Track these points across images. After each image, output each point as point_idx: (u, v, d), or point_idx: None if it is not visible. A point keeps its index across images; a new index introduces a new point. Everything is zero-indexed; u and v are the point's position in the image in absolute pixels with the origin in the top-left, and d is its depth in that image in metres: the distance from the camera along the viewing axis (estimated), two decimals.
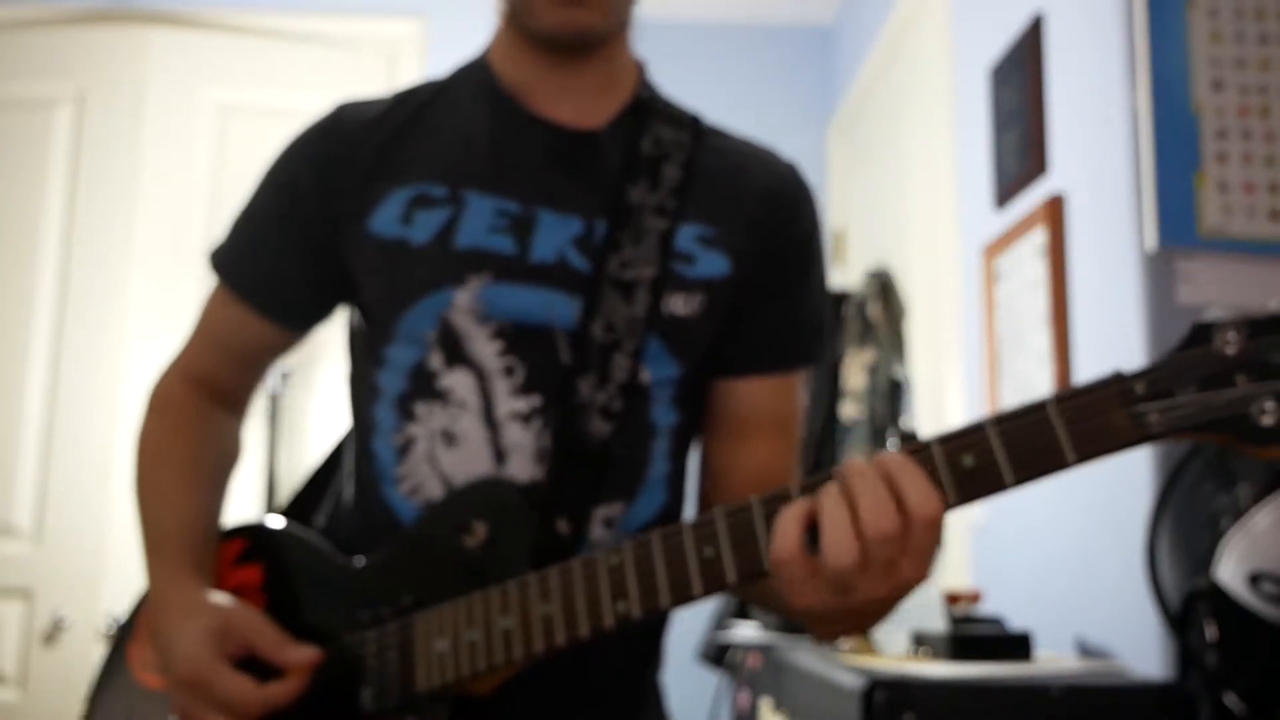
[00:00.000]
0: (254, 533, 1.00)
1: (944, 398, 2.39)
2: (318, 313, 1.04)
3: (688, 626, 3.19)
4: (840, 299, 2.99)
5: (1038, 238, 1.85)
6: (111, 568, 2.81)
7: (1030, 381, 1.88)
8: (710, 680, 2.71)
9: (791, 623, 1.94)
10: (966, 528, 2.18)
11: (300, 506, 1.09)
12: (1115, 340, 1.62)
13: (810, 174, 1.13)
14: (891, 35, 2.91)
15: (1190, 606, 1.36)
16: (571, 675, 0.94)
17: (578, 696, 0.95)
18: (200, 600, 0.92)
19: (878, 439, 2.52)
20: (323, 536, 1.00)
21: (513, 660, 0.83)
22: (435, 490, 0.93)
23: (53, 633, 2.77)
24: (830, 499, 0.71)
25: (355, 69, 3.14)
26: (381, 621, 0.90)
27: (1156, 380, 0.66)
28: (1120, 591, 1.57)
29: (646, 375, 0.95)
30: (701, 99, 4.35)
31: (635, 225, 0.95)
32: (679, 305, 0.95)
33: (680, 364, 0.96)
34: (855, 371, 2.66)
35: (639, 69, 1.06)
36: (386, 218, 0.95)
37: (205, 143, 3.04)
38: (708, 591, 0.77)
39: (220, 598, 0.93)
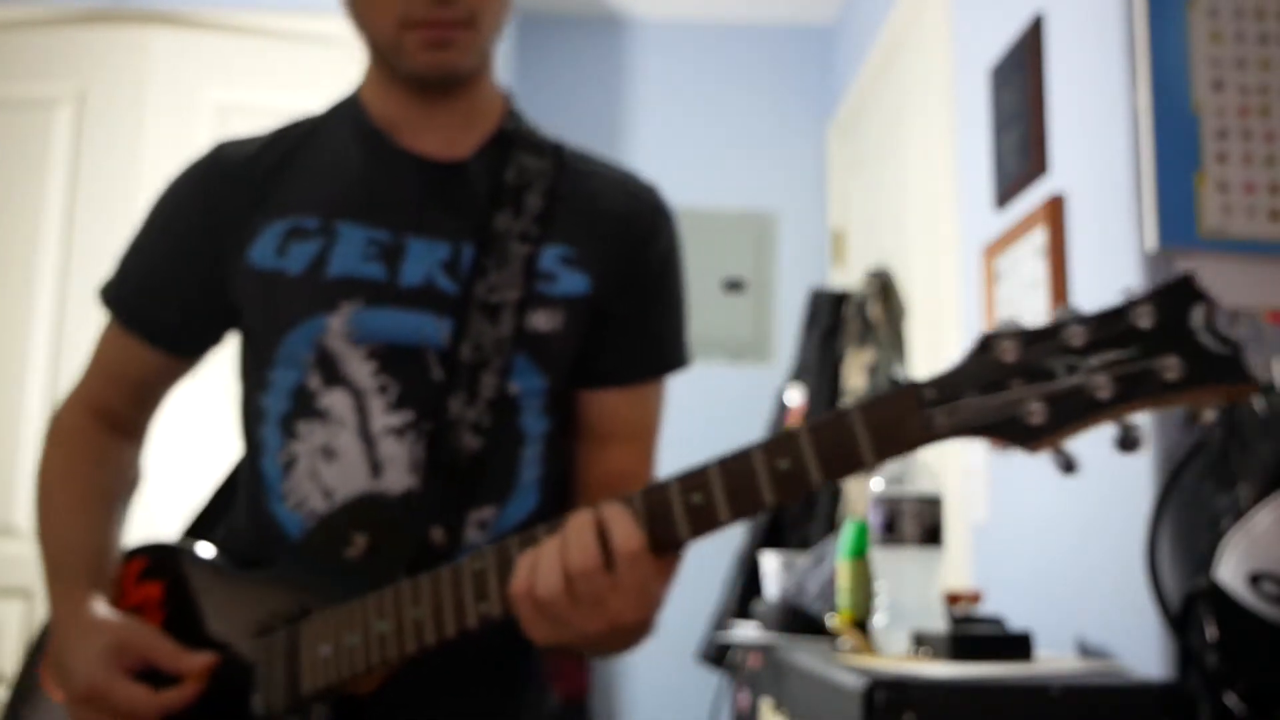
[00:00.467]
0: (154, 552, 1.05)
1: None
2: (206, 341, 1.11)
3: (688, 626, 3.19)
4: (840, 299, 2.99)
5: (1038, 238, 1.85)
6: None
7: None
8: (710, 680, 2.71)
9: (790, 622, 1.94)
10: (967, 528, 2.18)
11: (201, 525, 1.15)
12: None
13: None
14: (891, 35, 2.92)
15: (1190, 606, 1.36)
16: (447, 668, 0.99)
17: (454, 688, 1.01)
18: (96, 619, 0.97)
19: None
20: (219, 552, 1.05)
21: (388, 661, 0.90)
22: (318, 502, 0.99)
23: None
24: (548, 540, 0.80)
25: (355, 69, 3.14)
26: (271, 630, 0.96)
27: (945, 386, 0.72)
28: (1120, 591, 1.57)
29: (515, 388, 1.02)
30: (702, 99, 4.37)
31: (500, 250, 1.02)
32: (542, 321, 1.02)
33: (546, 376, 1.04)
34: (855, 371, 2.66)
35: (504, 101, 1.12)
36: (263, 250, 1.02)
37: (205, 143, 3.03)
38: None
39: (115, 616, 0.98)
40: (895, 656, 1.52)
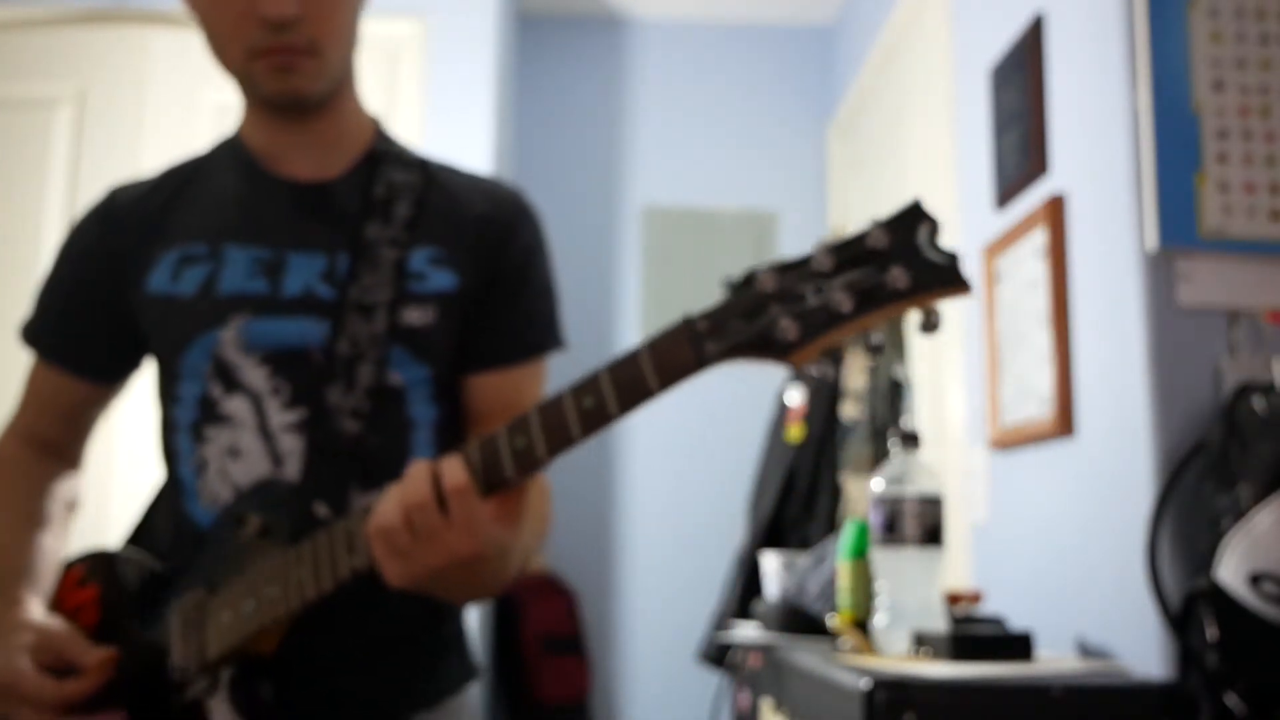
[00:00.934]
0: (90, 559, 1.17)
1: (944, 398, 2.39)
2: (123, 367, 1.23)
3: (688, 627, 3.19)
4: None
5: (1038, 238, 1.85)
6: None
7: (1030, 381, 1.88)
8: (710, 680, 2.71)
9: (790, 622, 1.94)
10: (967, 528, 2.18)
11: (134, 536, 1.25)
12: (1115, 340, 1.62)
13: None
14: (891, 35, 2.92)
15: (1190, 606, 1.37)
16: (354, 631, 1.10)
17: (359, 650, 1.11)
18: (21, 621, 1.07)
19: (878, 439, 2.52)
20: (145, 552, 1.16)
21: (279, 619, 1.01)
22: (228, 498, 1.10)
23: None
24: (390, 486, 0.90)
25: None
26: (186, 611, 1.08)
27: (715, 318, 0.82)
28: (1120, 591, 1.57)
29: (398, 379, 1.12)
30: (702, 99, 4.37)
31: (372, 256, 1.13)
32: (415, 317, 1.13)
33: (427, 365, 1.14)
34: (855, 371, 2.66)
35: (374, 124, 1.23)
36: (159, 278, 1.14)
37: (205, 143, 3.04)
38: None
39: (41, 618, 1.08)
40: (895, 656, 1.52)
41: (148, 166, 2.96)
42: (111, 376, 1.23)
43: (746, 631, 2.11)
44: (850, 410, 2.58)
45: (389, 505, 0.88)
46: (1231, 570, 1.33)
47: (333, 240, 1.14)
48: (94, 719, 1.06)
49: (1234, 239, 1.54)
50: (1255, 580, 1.31)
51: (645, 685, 3.34)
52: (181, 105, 3.03)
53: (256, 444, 1.10)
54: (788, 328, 0.79)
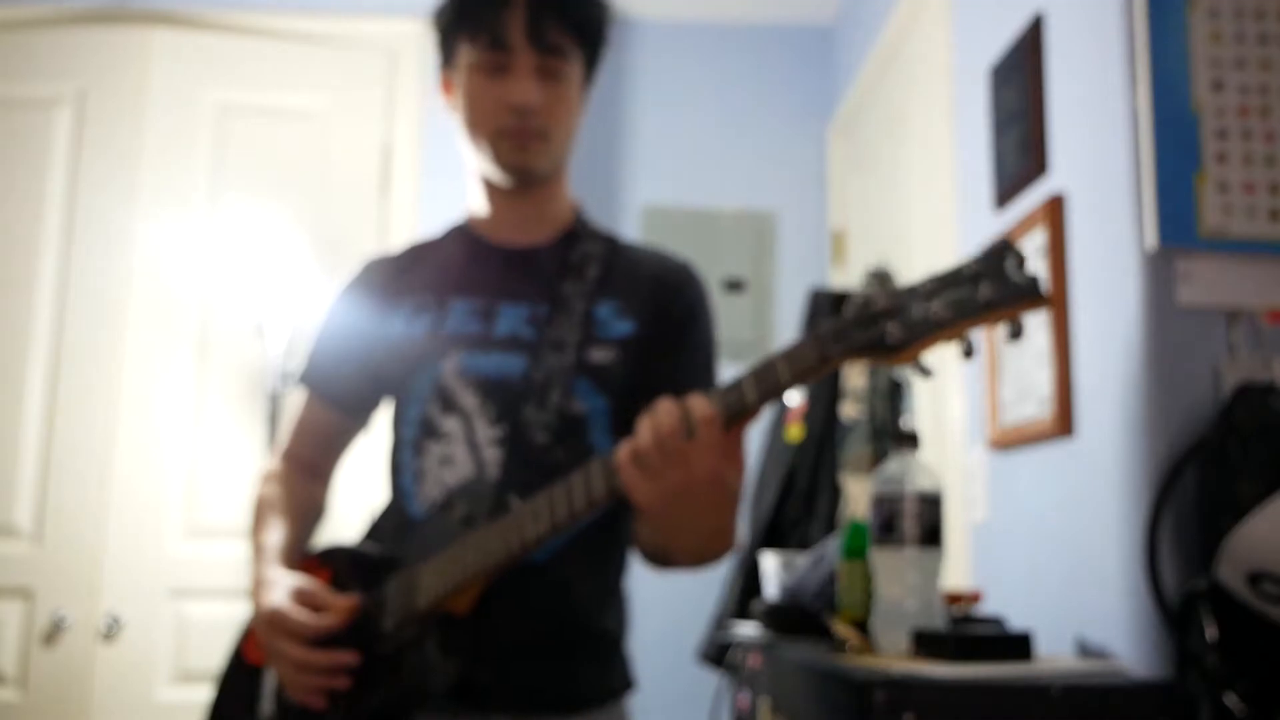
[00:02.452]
0: (327, 551, 1.45)
1: (944, 398, 2.39)
2: (371, 404, 1.52)
3: (688, 627, 3.19)
4: (840, 299, 2.99)
5: (1038, 238, 1.85)
6: (111, 568, 2.81)
7: (1030, 381, 1.88)
8: (710, 680, 2.71)
9: (789, 622, 1.94)
10: (967, 528, 2.18)
11: (368, 535, 1.49)
12: (1115, 340, 1.62)
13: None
14: (891, 35, 2.91)
15: (1190, 606, 1.36)
16: (535, 610, 1.33)
17: (538, 629, 1.34)
18: (283, 576, 1.35)
19: (878, 439, 2.52)
20: (371, 544, 1.43)
21: (476, 576, 1.25)
22: (440, 497, 1.35)
23: (53, 633, 2.77)
24: (645, 413, 1.10)
25: (355, 69, 3.14)
26: (400, 578, 1.32)
27: (838, 327, 1.03)
28: (1120, 591, 1.57)
29: (581, 406, 1.36)
30: (702, 99, 4.36)
31: (566, 307, 1.40)
32: (599, 356, 1.38)
33: (606, 398, 1.38)
34: (855, 371, 2.66)
35: (576, 209, 1.53)
36: (399, 323, 1.44)
37: (205, 143, 3.04)
38: (588, 507, 1.17)
39: (298, 576, 1.34)
40: (895, 656, 1.52)
41: (148, 166, 2.96)
42: (362, 410, 1.52)
43: (746, 631, 2.11)
44: (850, 410, 2.58)
45: (643, 431, 1.08)
46: (1231, 570, 1.33)
47: (536, 294, 1.41)
48: (334, 654, 1.27)
49: (1234, 239, 1.54)
50: (1255, 580, 1.31)
51: (645, 685, 3.33)
52: (181, 105, 3.03)
53: (465, 454, 1.35)
54: (894, 332, 1.00)
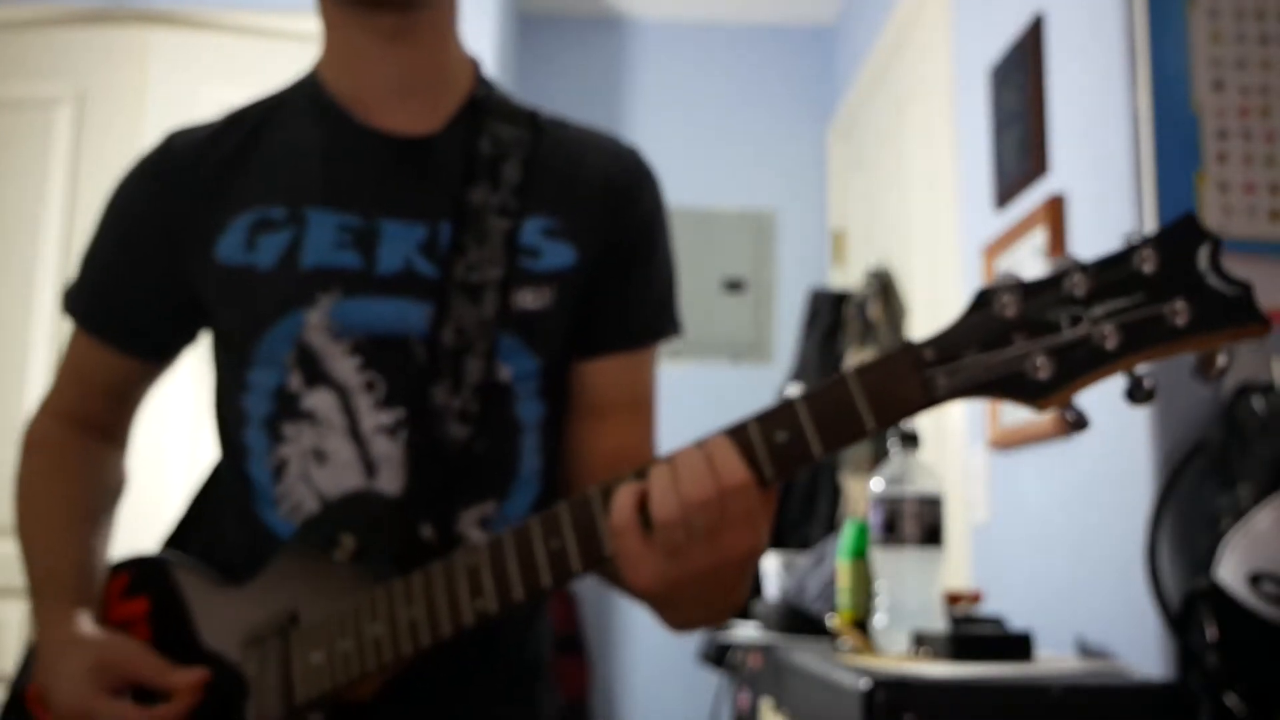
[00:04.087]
0: (138, 565, 1.01)
1: None
2: (177, 342, 1.06)
3: None
4: (840, 299, 2.99)
5: (1038, 238, 1.85)
6: None
7: None
8: (710, 680, 2.71)
9: (790, 622, 1.94)
10: (967, 528, 2.18)
11: (180, 535, 1.09)
12: None
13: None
14: (891, 35, 2.92)
15: (1190, 606, 1.36)
16: (449, 672, 0.95)
17: (458, 692, 0.97)
18: (79, 636, 0.94)
19: (878, 439, 2.52)
20: (205, 562, 1.00)
21: (385, 665, 0.86)
22: (313, 508, 0.95)
23: None
24: (658, 470, 0.75)
25: None
26: (262, 640, 0.92)
27: (944, 346, 0.69)
28: (1120, 591, 1.57)
29: (506, 372, 0.97)
30: (702, 99, 4.35)
31: (479, 226, 0.96)
32: (528, 300, 0.96)
33: (538, 356, 0.98)
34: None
35: (473, 68, 1.06)
36: (231, 244, 0.97)
37: None
38: (557, 583, 0.80)
39: (100, 633, 0.94)
40: (895, 656, 1.52)
41: None
42: (160, 354, 1.06)
43: (746, 631, 2.11)
44: None
45: (665, 498, 0.73)
46: (1231, 570, 1.33)
47: (434, 207, 0.97)
48: None
49: (1234, 239, 1.54)
50: (1255, 580, 1.31)
51: (645, 685, 3.34)
52: (181, 105, 3.03)
53: (346, 448, 0.94)
54: (1041, 366, 0.66)
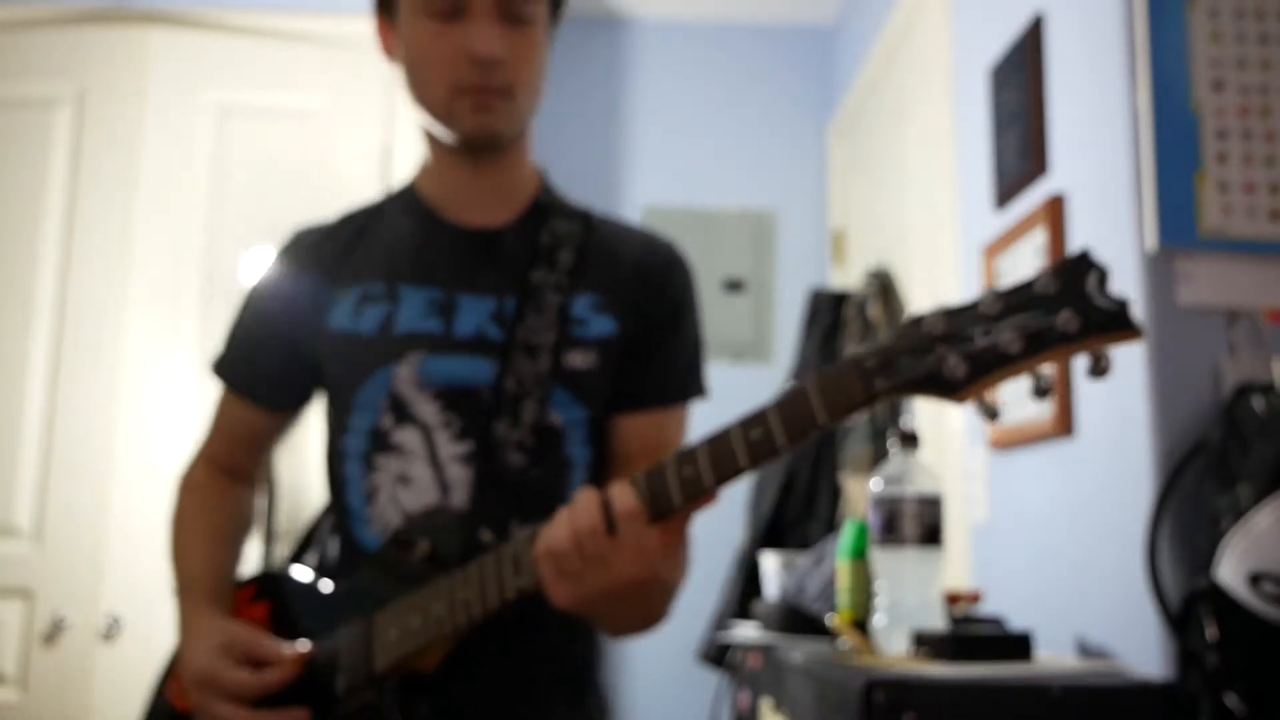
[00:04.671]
0: (262, 579, 1.26)
1: None
2: (301, 397, 1.31)
3: (688, 626, 3.19)
4: (840, 299, 2.99)
5: (1038, 238, 1.85)
6: (111, 568, 2.81)
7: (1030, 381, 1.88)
8: (710, 680, 2.71)
9: (790, 622, 1.94)
10: (967, 528, 2.18)
11: (297, 555, 1.36)
12: None
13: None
14: (891, 35, 2.92)
15: (1190, 606, 1.36)
16: (511, 663, 1.17)
17: (515, 683, 1.17)
18: (213, 624, 1.17)
19: (878, 439, 2.52)
20: (314, 574, 1.24)
21: (444, 636, 1.07)
22: (398, 523, 1.17)
23: (53, 633, 2.77)
24: (563, 508, 0.96)
25: (355, 69, 3.14)
26: (353, 625, 1.14)
27: (883, 355, 0.86)
28: (1120, 591, 1.57)
29: (558, 418, 1.19)
30: (702, 99, 4.35)
31: (538, 300, 1.20)
32: (577, 360, 1.19)
33: (585, 407, 1.20)
34: None
35: (540, 176, 1.31)
36: (341, 315, 1.22)
37: (205, 143, 3.04)
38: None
39: (226, 620, 1.18)
40: (895, 656, 1.52)
41: (148, 166, 2.96)
42: (289, 407, 1.32)
43: (746, 631, 2.11)
44: None
45: (559, 529, 0.94)
46: (1231, 570, 1.33)
47: (501, 284, 1.22)
48: (281, 714, 1.11)
49: (1234, 239, 1.54)
50: (1255, 580, 1.31)
51: (645, 685, 3.34)
52: (181, 105, 3.03)
53: (426, 473, 1.17)
54: (956, 366, 0.82)
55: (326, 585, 1.20)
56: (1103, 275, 0.80)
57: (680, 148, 3.63)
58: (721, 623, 2.66)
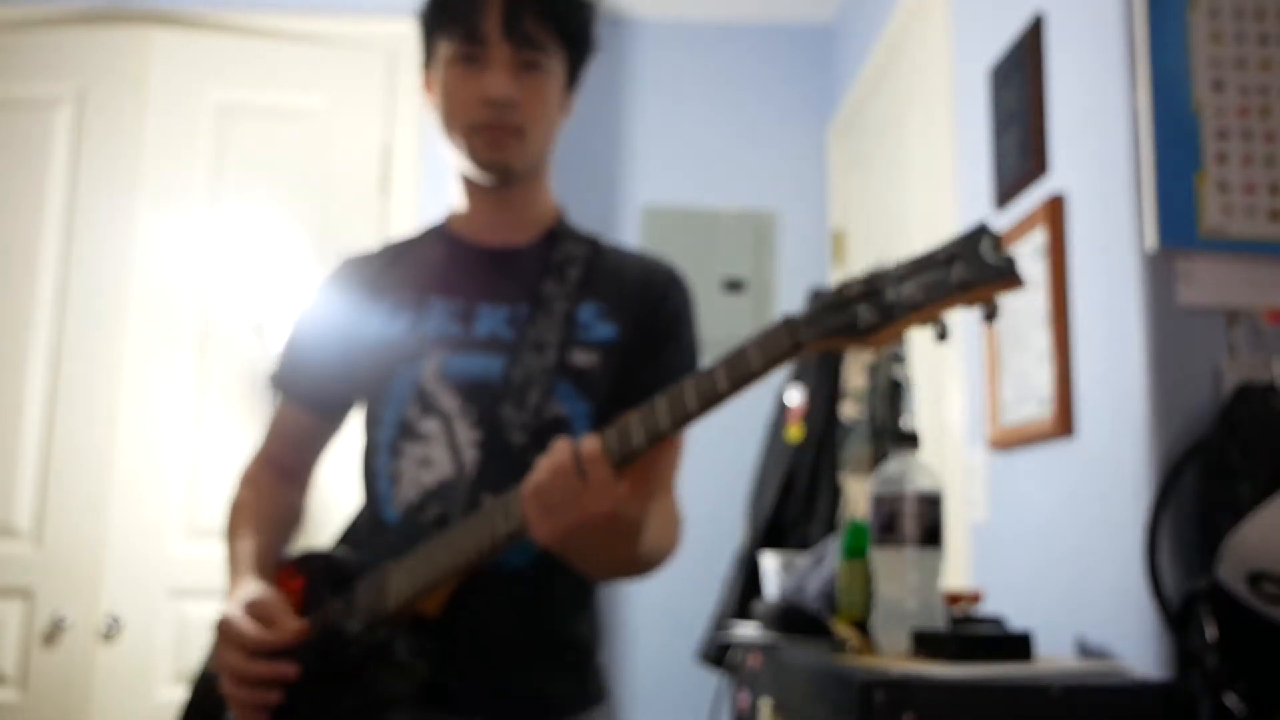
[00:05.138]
0: (303, 556, 1.40)
1: (944, 398, 2.39)
2: (345, 403, 1.48)
3: (688, 626, 3.19)
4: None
5: (1038, 238, 1.85)
6: (111, 568, 2.81)
7: (1030, 381, 1.88)
8: (710, 680, 2.71)
9: (789, 622, 1.94)
10: (967, 527, 2.18)
11: (342, 539, 1.46)
12: (1115, 340, 1.62)
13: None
14: (891, 35, 2.92)
15: (1190, 606, 1.37)
16: (511, 617, 1.31)
17: (513, 636, 1.32)
18: (247, 587, 1.32)
19: (878, 439, 2.52)
20: (345, 549, 1.39)
21: (447, 575, 1.23)
22: (416, 499, 1.33)
23: (53, 633, 2.77)
24: (540, 458, 1.11)
25: (355, 69, 3.14)
26: (371, 577, 1.29)
27: (810, 314, 1.03)
28: (1120, 591, 1.57)
29: (563, 409, 1.34)
30: (702, 99, 4.35)
31: (547, 307, 1.37)
32: (580, 359, 1.36)
33: (588, 402, 1.36)
34: (855, 371, 2.66)
35: (558, 211, 1.51)
36: (377, 324, 1.40)
37: (205, 143, 3.04)
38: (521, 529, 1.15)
39: (260, 585, 1.32)
40: (895, 656, 1.52)
41: (148, 166, 2.96)
42: (337, 411, 1.49)
43: (746, 631, 2.11)
44: (850, 410, 2.58)
45: (539, 471, 1.10)
46: (1231, 570, 1.33)
47: (516, 294, 1.39)
48: (272, 665, 1.25)
49: (1234, 239, 1.54)
50: (1255, 580, 1.31)
51: (645, 685, 3.34)
52: (181, 105, 3.03)
53: (445, 455, 1.33)
54: (867, 314, 0.99)
55: (354, 557, 1.35)
56: (995, 240, 0.96)
57: (680, 148, 3.63)
58: (721, 623, 2.66)
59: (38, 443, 2.86)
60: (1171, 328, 1.53)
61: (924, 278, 0.97)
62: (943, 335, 0.98)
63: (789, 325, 1.03)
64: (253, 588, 1.32)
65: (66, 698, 2.75)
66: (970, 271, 0.95)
